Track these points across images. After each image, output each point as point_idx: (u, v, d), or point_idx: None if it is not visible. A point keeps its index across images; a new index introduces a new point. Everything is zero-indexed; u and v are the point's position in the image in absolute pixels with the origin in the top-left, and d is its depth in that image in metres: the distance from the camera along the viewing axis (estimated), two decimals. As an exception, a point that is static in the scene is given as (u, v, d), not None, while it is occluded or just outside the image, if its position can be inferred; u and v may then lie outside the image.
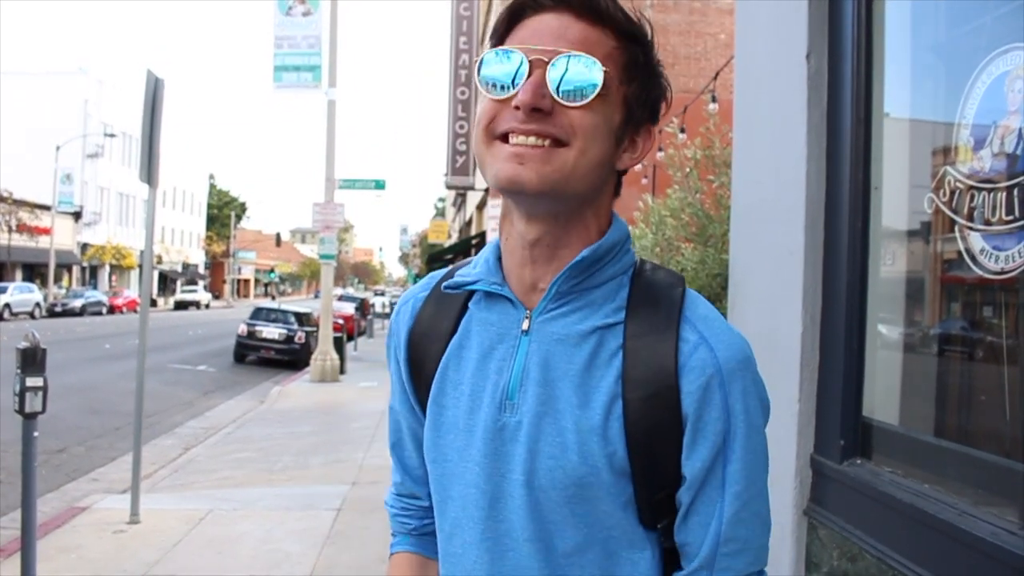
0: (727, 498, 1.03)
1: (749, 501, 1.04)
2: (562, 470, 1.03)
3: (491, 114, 1.02)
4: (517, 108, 0.99)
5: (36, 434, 4.36)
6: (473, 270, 1.14)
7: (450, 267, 1.21)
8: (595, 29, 1.02)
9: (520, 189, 1.00)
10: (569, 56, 0.99)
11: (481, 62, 1.03)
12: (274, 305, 24.54)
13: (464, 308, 1.14)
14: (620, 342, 1.05)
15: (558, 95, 0.99)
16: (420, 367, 1.17)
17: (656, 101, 1.11)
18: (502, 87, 1.01)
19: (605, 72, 0.99)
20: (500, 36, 1.06)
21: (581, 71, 0.99)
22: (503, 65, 1.01)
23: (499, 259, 1.12)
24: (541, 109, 0.98)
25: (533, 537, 1.05)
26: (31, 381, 4.26)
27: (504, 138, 1.01)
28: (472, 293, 1.14)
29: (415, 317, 1.19)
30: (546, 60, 0.99)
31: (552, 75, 0.99)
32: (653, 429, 1.02)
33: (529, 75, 0.99)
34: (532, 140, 0.99)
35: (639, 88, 1.07)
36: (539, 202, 1.03)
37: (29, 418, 4.28)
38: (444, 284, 1.16)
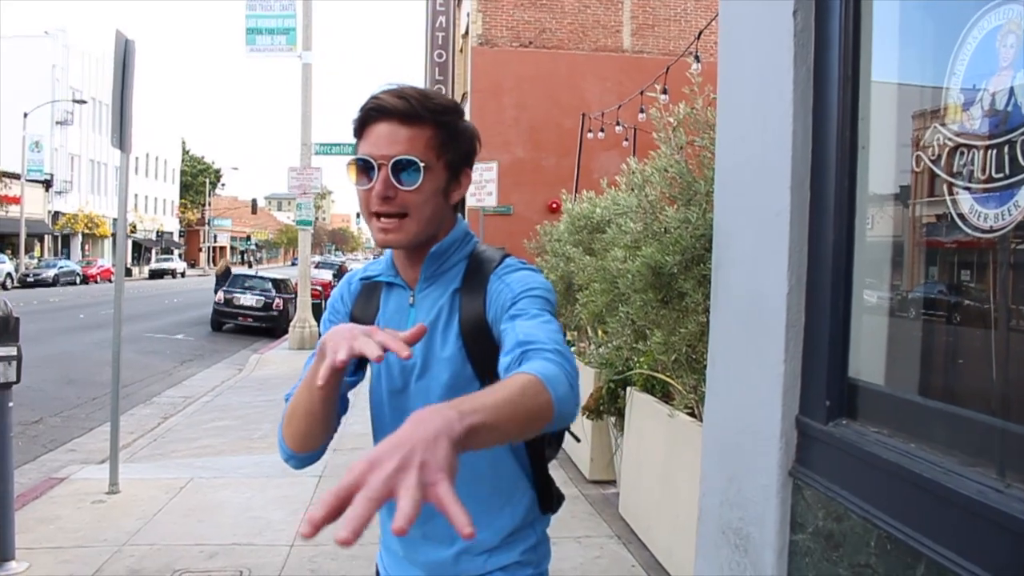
0: (520, 325, 1.48)
1: (537, 325, 1.48)
2: (437, 383, 1.63)
3: (364, 200, 1.59)
4: (376, 197, 1.55)
5: (11, 404, 4.31)
6: (377, 267, 1.77)
7: (367, 264, 1.82)
8: (413, 128, 1.55)
9: (391, 247, 1.64)
10: (400, 159, 1.53)
11: (349, 164, 1.59)
12: (251, 272, 24.38)
13: (379, 295, 1.75)
14: (459, 297, 1.64)
15: (398, 185, 1.55)
16: None
17: (469, 153, 1.66)
18: (366, 182, 1.56)
19: (424, 165, 1.54)
20: (358, 134, 1.61)
21: (409, 169, 1.54)
22: (363, 167, 1.57)
23: (391, 261, 1.73)
24: (388, 196, 1.55)
25: None
26: (4, 350, 4.19)
27: (375, 216, 1.59)
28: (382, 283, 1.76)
29: (355, 302, 1.78)
30: (386, 163, 1.54)
31: (392, 173, 1.54)
32: (474, 332, 1.60)
33: (378, 172, 1.54)
34: (385, 219, 1.58)
35: (454, 152, 1.61)
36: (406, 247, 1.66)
37: (3, 388, 4.23)
38: (361, 278, 1.80)
